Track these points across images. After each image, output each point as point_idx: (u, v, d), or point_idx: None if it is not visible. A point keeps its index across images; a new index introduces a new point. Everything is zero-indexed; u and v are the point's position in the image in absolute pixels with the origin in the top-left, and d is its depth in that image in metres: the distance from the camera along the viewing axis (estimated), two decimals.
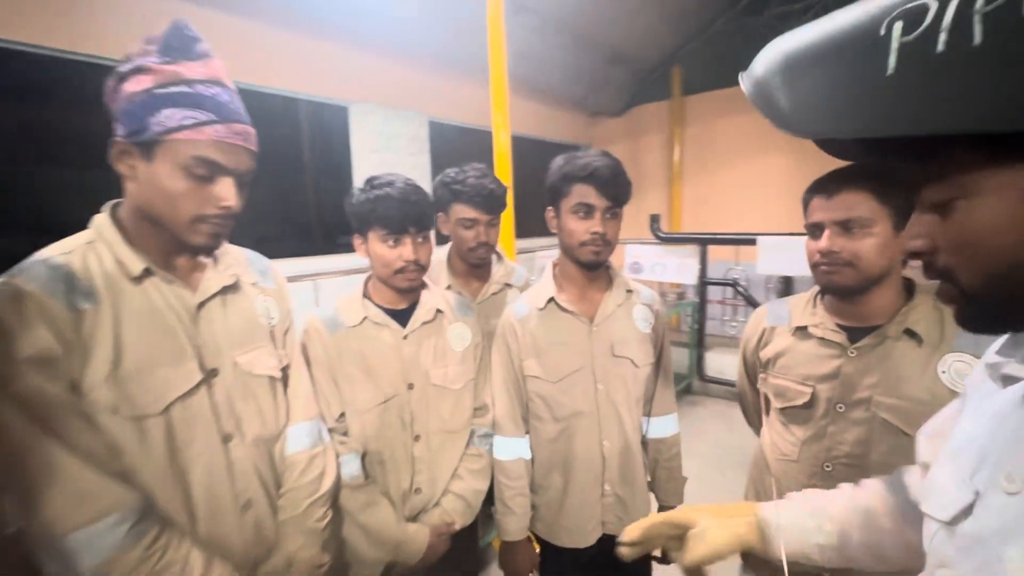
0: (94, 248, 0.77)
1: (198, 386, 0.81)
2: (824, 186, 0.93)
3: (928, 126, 0.34)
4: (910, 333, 0.91)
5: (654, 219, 3.72)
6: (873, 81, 0.36)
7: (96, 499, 0.69)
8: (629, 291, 1.23)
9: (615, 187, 1.06)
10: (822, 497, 0.71)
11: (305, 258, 3.12)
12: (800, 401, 1.01)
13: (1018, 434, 0.42)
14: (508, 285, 1.54)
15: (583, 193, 1.07)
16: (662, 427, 1.27)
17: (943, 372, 0.87)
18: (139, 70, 0.74)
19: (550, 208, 1.15)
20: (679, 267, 3.50)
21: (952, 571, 0.44)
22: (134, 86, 0.73)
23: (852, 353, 0.95)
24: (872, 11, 0.36)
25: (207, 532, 0.81)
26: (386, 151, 3.57)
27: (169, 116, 0.73)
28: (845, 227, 0.89)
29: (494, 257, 1.56)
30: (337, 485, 1.03)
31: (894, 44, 0.35)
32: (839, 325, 0.99)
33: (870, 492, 0.68)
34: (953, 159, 0.38)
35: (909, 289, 0.96)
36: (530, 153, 4.68)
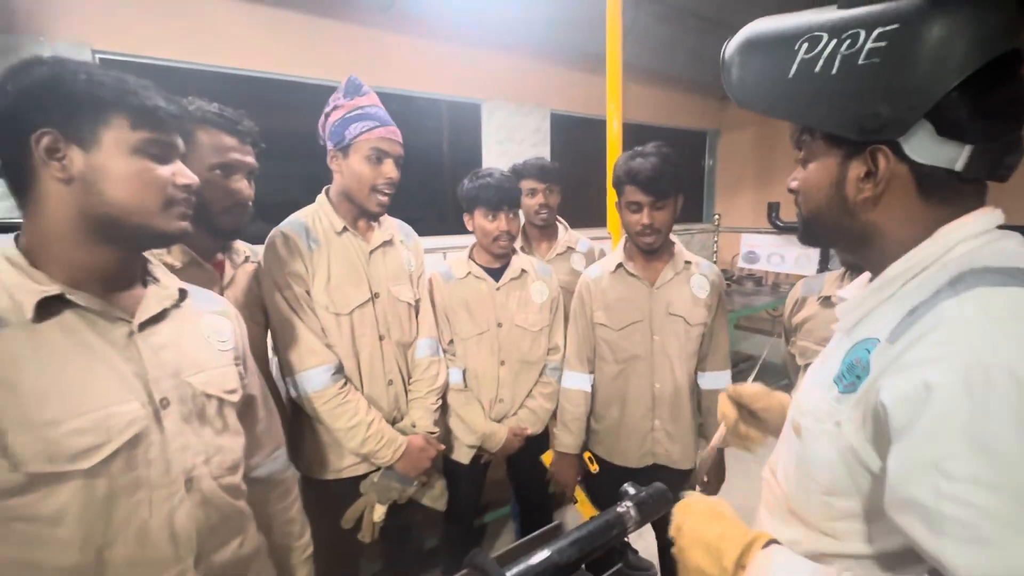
0: (317, 214, 1.31)
1: (367, 301, 1.32)
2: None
3: (796, 119, 0.58)
4: None
5: (772, 207, 3.64)
6: (780, 79, 0.56)
7: (317, 354, 1.23)
8: (688, 263, 1.49)
9: (656, 185, 1.33)
10: None
11: (440, 236, 3.76)
12: (815, 359, 1.19)
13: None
14: (571, 249, 1.95)
15: (631, 193, 1.37)
16: (714, 381, 1.52)
17: None
18: (336, 107, 1.26)
19: (617, 202, 1.46)
20: (798, 258, 3.41)
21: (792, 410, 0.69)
22: (335, 116, 1.26)
23: None
24: (796, 26, 0.55)
25: (367, 393, 1.33)
26: (510, 142, 4.04)
27: (355, 128, 1.24)
28: None
29: (560, 227, 1.97)
30: (446, 385, 1.50)
31: (797, 57, 0.54)
32: None
33: None
34: (815, 136, 0.60)
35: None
36: (656, 140, 4.81)
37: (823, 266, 3.38)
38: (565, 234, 2.01)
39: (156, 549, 0.69)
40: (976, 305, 0.46)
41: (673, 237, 1.52)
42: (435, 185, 4.15)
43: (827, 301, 1.21)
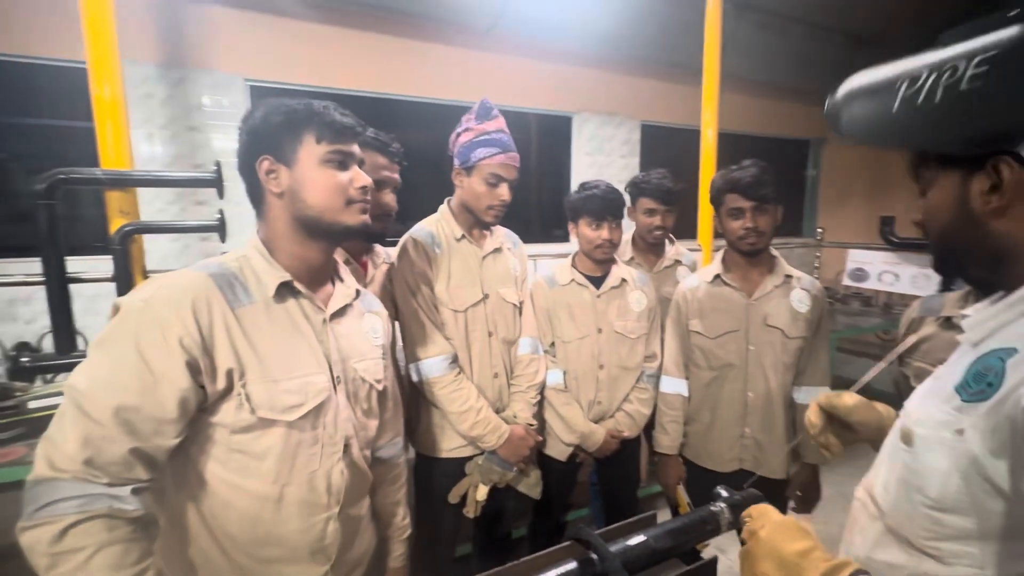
0: (439, 222, 1.52)
1: (480, 301, 1.50)
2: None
3: (905, 144, 0.65)
4: None
5: (885, 221, 3.42)
6: (885, 113, 0.63)
7: (438, 345, 1.42)
8: (789, 276, 1.52)
9: (757, 189, 1.40)
10: None
11: (527, 245, 3.94)
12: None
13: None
14: (678, 262, 2.01)
15: (733, 200, 1.44)
16: (810, 395, 1.52)
17: None
18: (467, 130, 1.45)
19: (716, 215, 1.53)
20: (915, 277, 3.18)
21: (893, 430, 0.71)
22: (464, 138, 1.45)
23: None
24: (895, 72, 0.63)
25: (476, 382, 1.50)
26: (599, 154, 4.16)
27: (480, 152, 1.42)
28: None
29: (668, 240, 2.03)
30: (544, 382, 1.63)
31: (899, 95, 0.61)
32: None
33: None
34: (931, 164, 0.65)
35: None
36: (749, 151, 4.68)
37: (945, 286, 3.11)
38: (672, 247, 2.09)
39: (317, 494, 0.87)
40: None
41: (774, 251, 1.55)
42: (522, 196, 4.35)
43: (948, 322, 1.19)
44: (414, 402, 1.54)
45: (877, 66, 0.66)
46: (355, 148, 0.93)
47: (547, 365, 1.66)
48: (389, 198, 1.32)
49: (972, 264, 0.65)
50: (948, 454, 0.57)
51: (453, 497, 1.50)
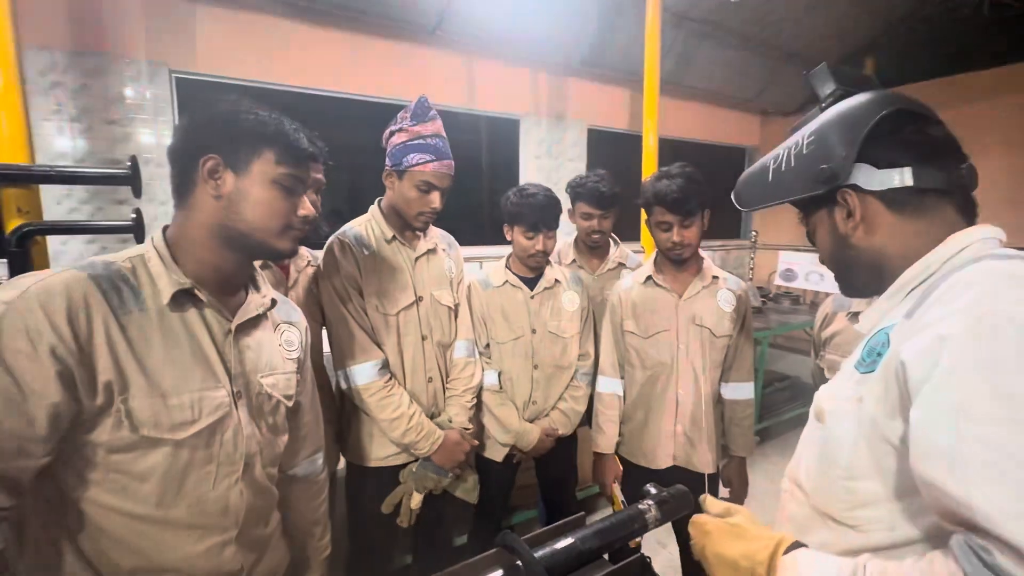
0: (370, 223, 1.47)
1: (412, 304, 1.46)
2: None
3: (778, 197, 0.79)
4: None
5: None
6: (763, 183, 0.81)
7: (367, 350, 1.37)
8: (715, 277, 1.58)
9: (683, 205, 1.43)
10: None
11: (477, 247, 3.91)
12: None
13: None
14: (622, 265, 2.01)
15: (659, 213, 1.47)
16: (737, 391, 1.59)
17: None
18: (400, 130, 1.41)
19: (647, 221, 1.56)
20: None
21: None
22: (397, 139, 1.40)
23: None
24: (768, 158, 0.82)
25: (409, 388, 1.46)
26: (547, 157, 4.19)
27: (413, 157, 1.37)
28: None
29: (611, 243, 2.04)
30: (481, 385, 1.62)
31: (770, 168, 0.81)
32: None
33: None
34: (809, 211, 0.80)
35: None
36: (692, 157, 4.86)
37: None
38: (616, 250, 2.09)
39: (209, 517, 0.81)
40: (982, 271, 0.56)
41: (703, 253, 1.60)
42: (473, 198, 4.32)
43: (856, 317, 1.27)
44: (344, 411, 1.48)
45: (752, 164, 0.89)
46: (309, 175, 0.89)
47: (483, 367, 1.64)
48: (312, 199, 1.26)
49: (862, 277, 0.76)
50: (852, 423, 0.63)
51: (386, 507, 1.45)
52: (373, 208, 1.51)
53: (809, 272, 3.53)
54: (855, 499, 0.63)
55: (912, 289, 0.66)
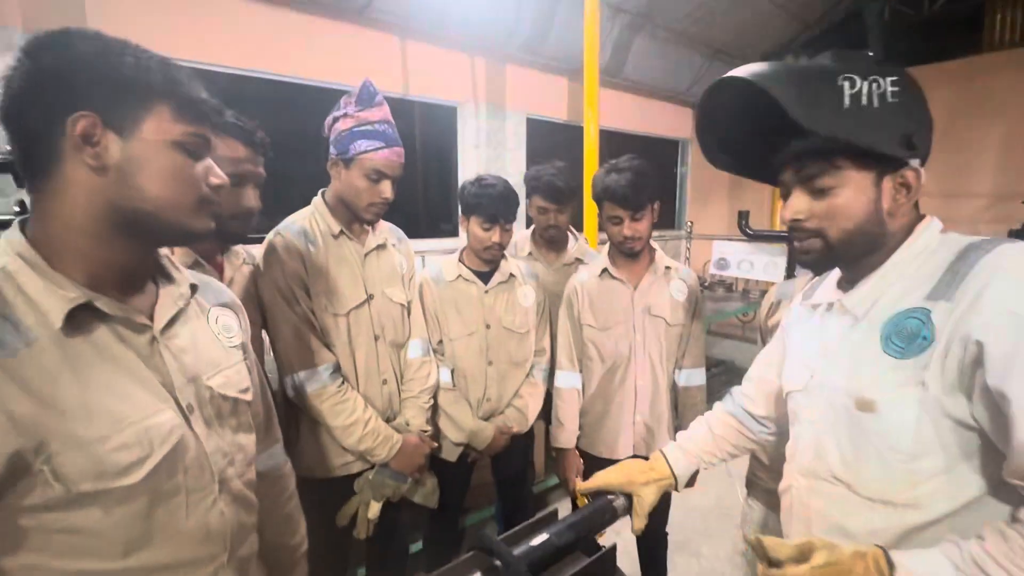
0: (315, 217, 1.40)
1: (363, 303, 1.41)
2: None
3: (856, 139, 0.68)
4: None
5: (743, 215, 3.91)
6: (837, 107, 0.68)
7: (316, 353, 1.31)
8: (668, 268, 1.65)
9: (633, 199, 1.48)
10: (696, 434, 1.13)
11: (412, 240, 3.83)
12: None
13: (821, 331, 0.84)
14: (580, 260, 2.05)
15: (610, 208, 1.52)
16: (690, 378, 1.68)
17: None
18: (345, 116, 1.35)
19: (599, 215, 1.61)
20: (766, 265, 3.67)
21: (811, 407, 0.82)
22: (342, 126, 1.34)
23: None
24: (828, 67, 0.70)
25: (363, 391, 1.41)
26: (486, 146, 4.18)
27: (361, 144, 1.32)
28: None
29: (571, 237, 2.08)
30: (437, 385, 1.60)
31: (846, 92, 0.68)
32: None
33: (717, 415, 1.14)
34: (841, 164, 0.72)
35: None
36: (629, 148, 5.03)
37: (790, 272, 3.65)
38: (575, 245, 2.12)
39: (192, 549, 0.71)
40: (1014, 254, 0.64)
41: (654, 244, 1.67)
42: (407, 189, 4.22)
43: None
44: (291, 420, 1.41)
45: (780, 61, 0.75)
46: (211, 136, 0.75)
47: (437, 366, 1.62)
48: (251, 195, 1.17)
49: (855, 257, 0.77)
50: (915, 407, 0.67)
51: (341, 519, 1.40)
52: (317, 200, 1.44)
53: (741, 260, 3.80)
54: (916, 478, 0.68)
55: (904, 270, 0.73)
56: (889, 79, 0.69)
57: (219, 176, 0.74)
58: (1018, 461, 0.59)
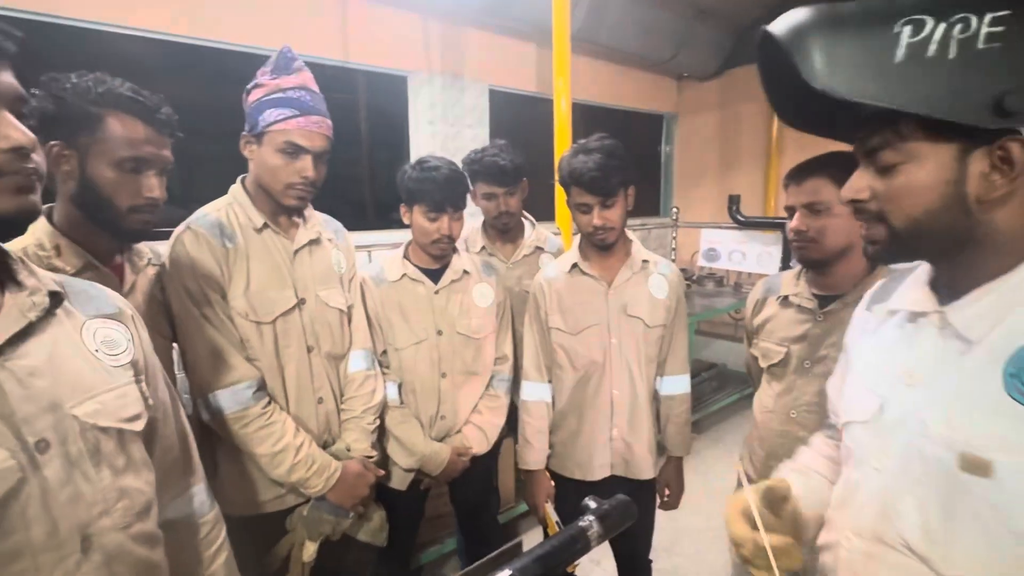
0: (233, 207, 1.37)
1: (293, 308, 1.39)
2: (794, 175, 1.33)
3: (917, 107, 0.58)
4: None
5: (733, 200, 4.01)
6: (886, 64, 0.58)
7: (236, 369, 1.28)
8: (646, 261, 1.68)
9: (602, 185, 1.49)
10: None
11: (360, 232, 3.77)
12: (777, 359, 1.42)
13: (903, 347, 0.73)
14: (540, 249, 2.07)
15: (578, 194, 1.53)
16: (673, 385, 1.71)
17: None
18: (257, 86, 1.32)
19: (567, 201, 1.62)
20: (760, 255, 3.78)
21: (881, 452, 0.72)
22: (253, 96, 1.33)
23: (820, 318, 1.35)
24: (888, 8, 0.59)
25: (295, 413, 1.39)
26: (442, 122, 4.15)
27: (271, 114, 1.30)
28: (811, 209, 1.29)
29: (527, 224, 2.09)
30: (383, 402, 1.58)
31: (902, 40, 0.57)
32: (814, 294, 1.38)
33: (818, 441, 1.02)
34: (908, 134, 0.63)
35: (873, 264, 1.34)
36: (607, 123, 5.09)
37: (785, 264, 3.76)
38: (532, 232, 2.12)
39: None
40: None
41: (630, 234, 1.70)
42: (352, 172, 4.16)
43: (786, 301, 1.43)
44: (208, 447, 1.37)
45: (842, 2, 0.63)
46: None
47: (384, 380, 1.61)
48: (152, 182, 1.14)
49: (935, 251, 0.70)
50: None
51: (272, 564, 1.38)
52: (235, 189, 1.40)
53: (732, 251, 3.90)
54: (1020, 563, 0.59)
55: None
56: (990, 16, 0.56)
57: (18, 133, 0.66)
58: None
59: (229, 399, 1.28)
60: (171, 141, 1.19)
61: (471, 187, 2.00)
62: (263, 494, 1.37)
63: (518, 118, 4.57)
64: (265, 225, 1.38)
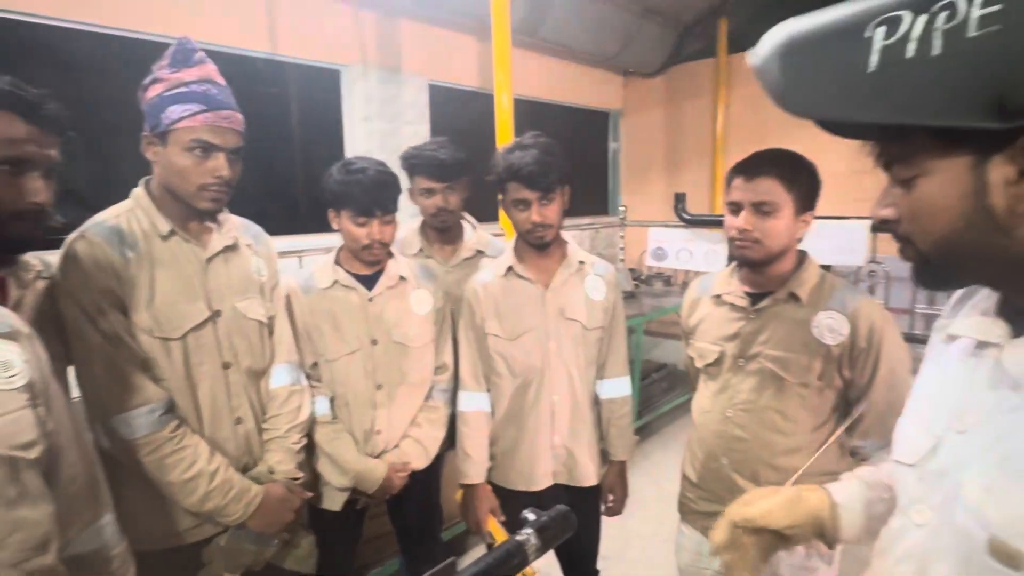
0: (135, 213, 1.30)
1: (206, 321, 1.33)
2: (744, 169, 1.35)
3: (897, 117, 0.52)
4: (794, 296, 1.35)
5: (679, 198, 4.12)
6: (857, 75, 0.52)
7: (140, 391, 1.22)
8: (582, 262, 1.70)
9: (541, 179, 1.50)
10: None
11: (291, 236, 3.67)
12: (712, 358, 1.46)
13: (962, 383, 0.64)
14: (481, 253, 2.06)
15: (515, 190, 1.54)
16: (613, 388, 1.74)
17: (815, 327, 1.31)
18: (155, 80, 1.27)
19: (501, 200, 1.62)
20: (706, 254, 3.89)
21: (923, 504, 0.64)
22: (152, 92, 1.26)
23: (752, 316, 1.39)
24: (858, 12, 0.52)
25: (210, 435, 1.33)
26: (380, 118, 4.09)
27: (174, 111, 1.24)
28: (760, 209, 1.31)
29: (467, 226, 2.08)
30: (311, 419, 1.54)
31: (876, 45, 0.51)
32: (746, 292, 1.43)
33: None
34: (917, 144, 0.56)
35: (801, 259, 1.39)
36: (553, 120, 5.13)
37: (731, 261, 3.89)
38: (473, 235, 2.10)
39: None
40: None
41: (566, 235, 1.71)
42: (282, 172, 4.04)
43: (719, 299, 1.47)
44: (111, 478, 1.29)
45: (813, 10, 0.57)
46: None
47: (311, 395, 1.56)
48: (36, 184, 1.06)
49: (981, 276, 0.63)
50: None
51: None
52: (138, 192, 1.33)
53: (679, 250, 4.00)
54: None
55: None
56: None
57: None
58: None
59: (132, 424, 1.21)
60: (59, 140, 1.12)
61: (409, 183, 1.98)
62: (175, 525, 1.31)
63: (460, 115, 4.56)
64: (172, 232, 1.31)
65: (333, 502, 1.62)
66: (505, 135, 3.30)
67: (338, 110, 3.98)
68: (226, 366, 1.37)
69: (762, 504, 0.84)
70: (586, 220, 5.49)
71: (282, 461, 1.43)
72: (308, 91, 3.93)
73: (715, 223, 4.06)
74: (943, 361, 0.70)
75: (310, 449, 1.59)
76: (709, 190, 5.16)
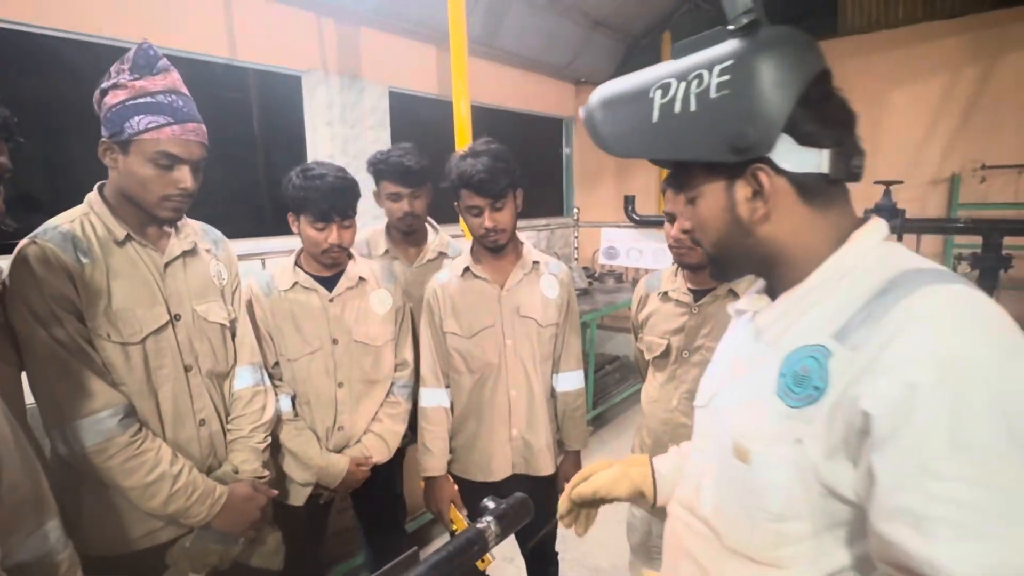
0: (89, 218, 1.23)
1: (165, 326, 1.28)
2: (672, 181, 1.38)
3: (672, 154, 0.73)
4: (733, 293, 1.39)
5: (628, 200, 4.19)
6: (646, 124, 0.70)
7: (98, 396, 1.16)
8: (536, 263, 1.70)
9: (492, 186, 1.50)
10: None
11: (255, 239, 3.57)
12: (659, 351, 1.49)
13: (740, 342, 0.82)
14: (443, 254, 2.05)
15: (468, 197, 1.53)
16: (568, 382, 1.75)
17: None
18: (116, 86, 1.20)
19: (456, 205, 1.61)
20: (655, 252, 3.97)
21: (705, 435, 0.83)
22: (112, 99, 1.20)
23: (695, 311, 1.43)
24: (644, 80, 0.71)
25: (172, 438, 1.28)
26: (341, 123, 4.01)
27: (138, 121, 1.18)
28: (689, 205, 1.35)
29: (430, 229, 2.06)
30: (275, 419, 1.50)
31: (656, 104, 0.69)
32: (690, 289, 1.46)
33: None
34: (694, 173, 0.75)
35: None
36: (509, 127, 5.14)
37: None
38: (436, 238, 2.09)
39: None
40: (937, 303, 0.58)
41: (522, 236, 1.72)
42: (245, 175, 3.92)
43: (665, 296, 1.51)
44: (68, 486, 1.23)
45: (623, 76, 0.76)
46: None
47: (275, 395, 1.53)
48: None
49: (747, 267, 0.79)
50: (788, 466, 0.65)
51: None
52: (92, 197, 1.27)
53: (630, 248, 4.07)
54: (780, 539, 0.67)
55: (822, 294, 0.68)
56: (719, 68, 0.65)
57: None
58: (874, 544, 0.59)
59: (89, 430, 1.15)
60: (9, 145, 1.06)
61: (376, 187, 1.96)
62: (137, 529, 1.25)
63: (421, 121, 4.51)
64: (128, 237, 1.25)
65: (297, 497, 1.59)
66: (463, 140, 3.28)
67: (300, 114, 3.89)
68: (187, 369, 1.32)
69: (595, 480, 1.00)
70: (542, 221, 5.52)
71: (247, 460, 1.39)
72: (270, 96, 3.83)
73: (663, 223, 4.14)
74: (734, 329, 0.89)
75: (274, 447, 1.55)
76: (657, 193, 5.27)
